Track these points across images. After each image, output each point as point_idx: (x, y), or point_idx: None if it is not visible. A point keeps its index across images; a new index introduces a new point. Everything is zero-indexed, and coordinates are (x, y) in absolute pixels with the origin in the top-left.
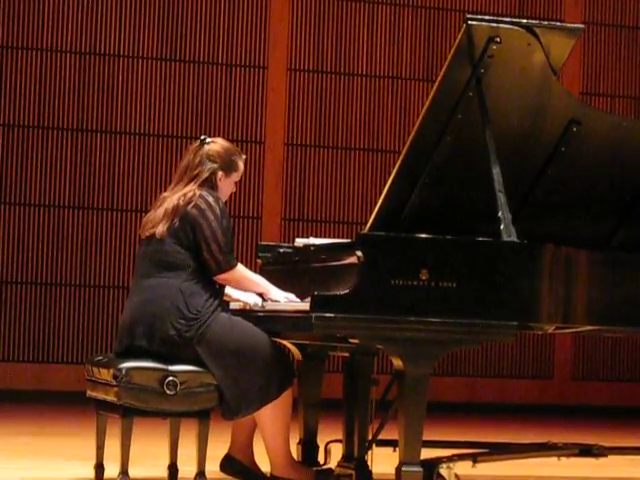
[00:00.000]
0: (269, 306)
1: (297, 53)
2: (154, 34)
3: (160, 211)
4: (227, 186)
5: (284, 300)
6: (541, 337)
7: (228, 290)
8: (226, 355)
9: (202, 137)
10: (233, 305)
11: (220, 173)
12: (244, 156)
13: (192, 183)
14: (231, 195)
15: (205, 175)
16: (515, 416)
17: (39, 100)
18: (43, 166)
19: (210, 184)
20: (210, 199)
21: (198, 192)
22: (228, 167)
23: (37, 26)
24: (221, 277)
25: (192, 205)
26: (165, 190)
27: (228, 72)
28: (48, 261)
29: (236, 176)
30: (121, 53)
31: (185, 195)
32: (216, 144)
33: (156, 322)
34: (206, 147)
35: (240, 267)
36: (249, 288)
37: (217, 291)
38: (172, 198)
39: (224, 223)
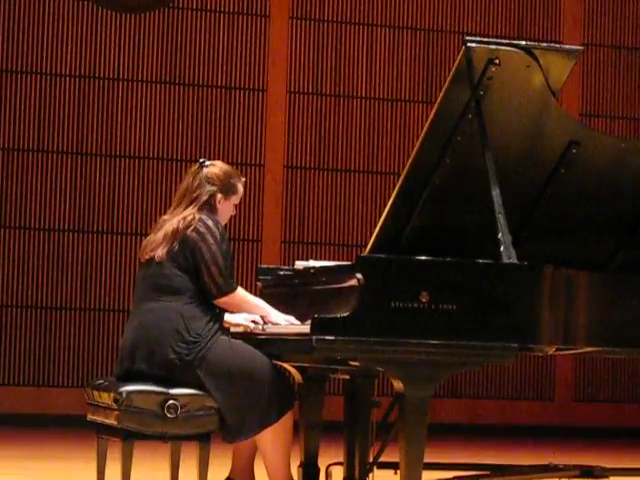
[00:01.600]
0: (269, 329)
1: (296, 75)
2: (153, 57)
3: (160, 234)
4: (226, 209)
5: (284, 323)
6: (542, 358)
7: (227, 317)
8: (227, 378)
9: (201, 160)
10: (233, 328)
11: (219, 196)
12: (243, 179)
13: (191, 206)
14: (231, 218)
15: (204, 198)
16: (516, 438)
17: (38, 123)
18: (42, 189)
19: (209, 207)
20: (210, 222)
21: (198, 215)
22: (227, 190)
23: (36, 50)
24: (221, 301)
25: (192, 229)
26: (165, 213)
27: (227, 95)
28: (48, 285)
29: (235, 199)
30: (120, 76)
31: (185, 219)
32: (215, 167)
33: (156, 345)
34: (205, 170)
35: (240, 290)
36: (250, 311)
37: (217, 314)
38: (172, 221)
39: (224, 247)
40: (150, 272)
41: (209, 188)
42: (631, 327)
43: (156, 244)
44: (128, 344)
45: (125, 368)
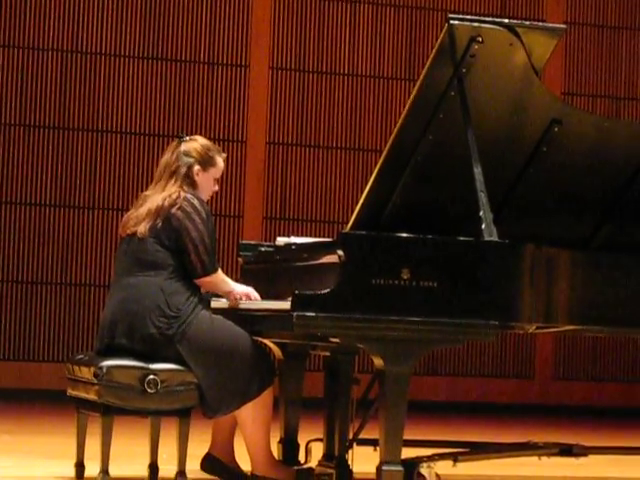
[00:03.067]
0: (249, 305)
1: (279, 51)
2: (136, 32)
3: (142, 210)
4: (206, 182)
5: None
6: (522, 336)
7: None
8: (207, 353)
9: (180, 135)
10: (214, 304)
11: (197, 167)
12: (224, 154)
13: (172, 181)
14: (212, 194)
15: (183, 170)
16: (496, 415)
17: (21, 98)
18: (24, 164)
19: (189, 181)
20: (195, 202)
21: (183, 194)
22: (205, 162)
23: (18, 24)
24: (204, 280)
25: (177, 207)
26: (146, 189)
27: (209, 70)
28: (29, 259)
29: (215, 172)
30: (103, 51)
31: (170, 196)
32: (194, 141)
33: (137, 320)
34: (184, 145)
35: (221, 272)
36: (225, 291)
37: (198, 290)
38: (155, 198)
39: (209, 226)
40: (131, 248)
41: (186, 160)
42: (612, 306)
43: (138, 220)
44: (108, 319)
45: (105, 343)
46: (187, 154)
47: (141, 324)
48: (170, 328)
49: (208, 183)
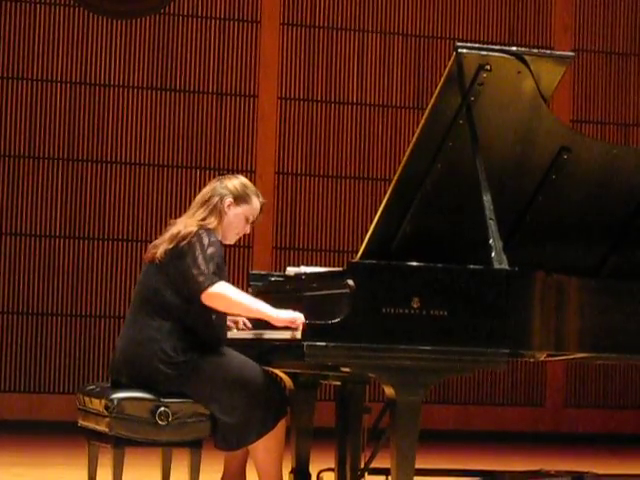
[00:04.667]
0: (252, 335)
1: (288, 81)
2: (144, 63)
3: (166, 235)
4: (236, 218)
5: (290, 317)
6: (532, 364)
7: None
8: (222, 390)
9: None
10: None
11: (229, 200)
12: (262, 199)
13: (201, 210)
14: (242, 233)
15: (214, 200)
16: (507, 444)
17: (30, 130)
18: (34, 196)
19: (217, 212)
20: (205, 239)
21: (197, 230)
22: (238, 197)
23: (28, 56)
24: (207, 295)
25: (186, 242)
26: (155, 219)
27: (218, 101)
28: (39, 291)
29: (248, 210)
30: (111, 83)
31: (186, 226)
32: (234, 178)
33: (144, 367)
34: (223, 179)
35: (224, 284)
36: (238, 300)
37: (205, 331)
38: (180, 224)
39: (209, 251)
40: (146, 281)
41: (221, 191)
42: (622, 333)
43: (159, 243)
44: (117, 358)
45: (114, 380)
46: (223, 187)
47: (148, 370)
48: (179, 376)
49: (238, 219)
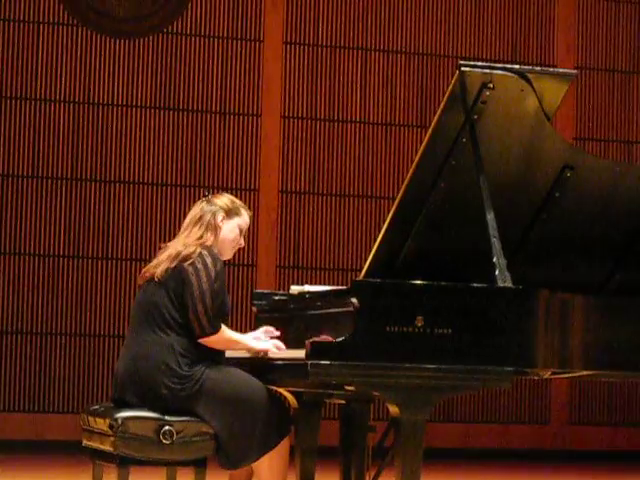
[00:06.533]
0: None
1: (291, 100)
2: (147, 83)
3: (163, 256)
4: (230, 232)
5: (271, 347)
6: (537, 382)
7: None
8: (224, 407)
9: (205, 194)
10: (228, 353)
11: (221, 215)
12: (250, 212)
13: (196, 228)
14: (238, 247)
15: (207, 217)
16: (511, 462)
17: (33, 149)
18: (37, 215)
19: (212, 228)
20: (209, 260)
21: (199, 250)
22: (229, 211)
23: (31, 76)
24: (206, 340)
25: (189, 262)
26: (158, 238)
27: (221, 120)
28: (43, 310)
29: (239, 222)
30: (114, 102)
31: (187, 247)
32: (221, 196)
33: (148, 382)
34: (209, 199)
35: (225, 331)
36: (231, 343)
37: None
38: (177, 244)
39: (216, 286)
40: (145, 299)
41: (211, 208)
42: (627, 351)
43: (157, 264)
44: (120, 374)
45: (117, 398)
46: (212, 205)
47: (153, 385)
48: (183, 390)
49: (232, 233)
